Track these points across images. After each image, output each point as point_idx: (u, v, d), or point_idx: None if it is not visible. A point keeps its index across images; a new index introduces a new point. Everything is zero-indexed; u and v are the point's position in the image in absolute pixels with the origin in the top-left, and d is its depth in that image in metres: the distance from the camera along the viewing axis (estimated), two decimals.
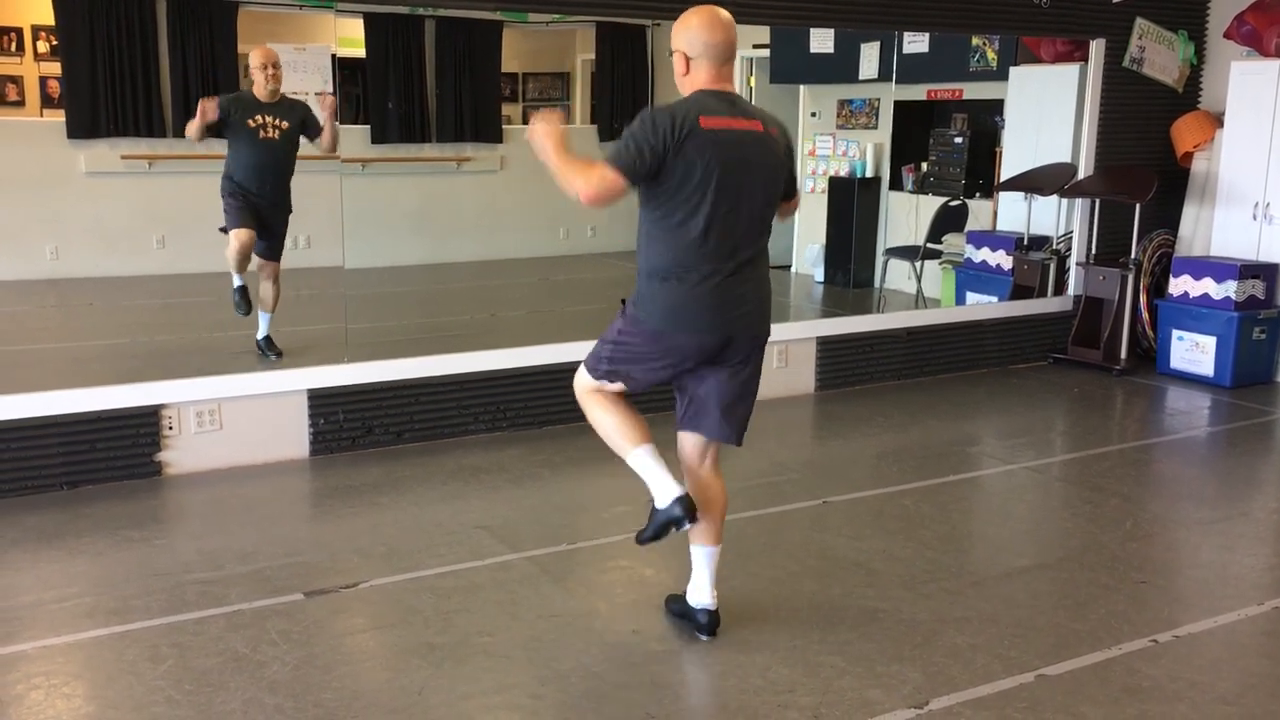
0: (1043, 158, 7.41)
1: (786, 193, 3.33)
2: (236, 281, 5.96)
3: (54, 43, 7.72)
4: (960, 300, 7.81)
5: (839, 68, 8.48)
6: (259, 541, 4.18)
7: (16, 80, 7.85)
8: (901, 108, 8.40)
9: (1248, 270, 6.69)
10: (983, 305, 7.49)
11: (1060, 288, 7.41)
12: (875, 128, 8.75)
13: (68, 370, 5.84)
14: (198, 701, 3.03)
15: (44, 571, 3.90)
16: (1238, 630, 3.58)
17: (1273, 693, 3.17)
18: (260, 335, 6.02)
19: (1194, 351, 6.86)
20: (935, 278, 8.14)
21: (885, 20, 6.52)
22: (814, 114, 9.20)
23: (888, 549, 4.17)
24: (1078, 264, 7.32)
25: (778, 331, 6.26)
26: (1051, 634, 3.49)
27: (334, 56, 6.52)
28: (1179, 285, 6.93)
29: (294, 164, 5.96)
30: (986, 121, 8.29)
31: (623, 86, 9.22)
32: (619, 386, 3.29)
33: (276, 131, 5.84)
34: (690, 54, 3.14)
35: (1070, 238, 7.43)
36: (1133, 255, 7.15)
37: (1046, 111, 7.54)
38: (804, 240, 9.19)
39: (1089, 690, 3.15)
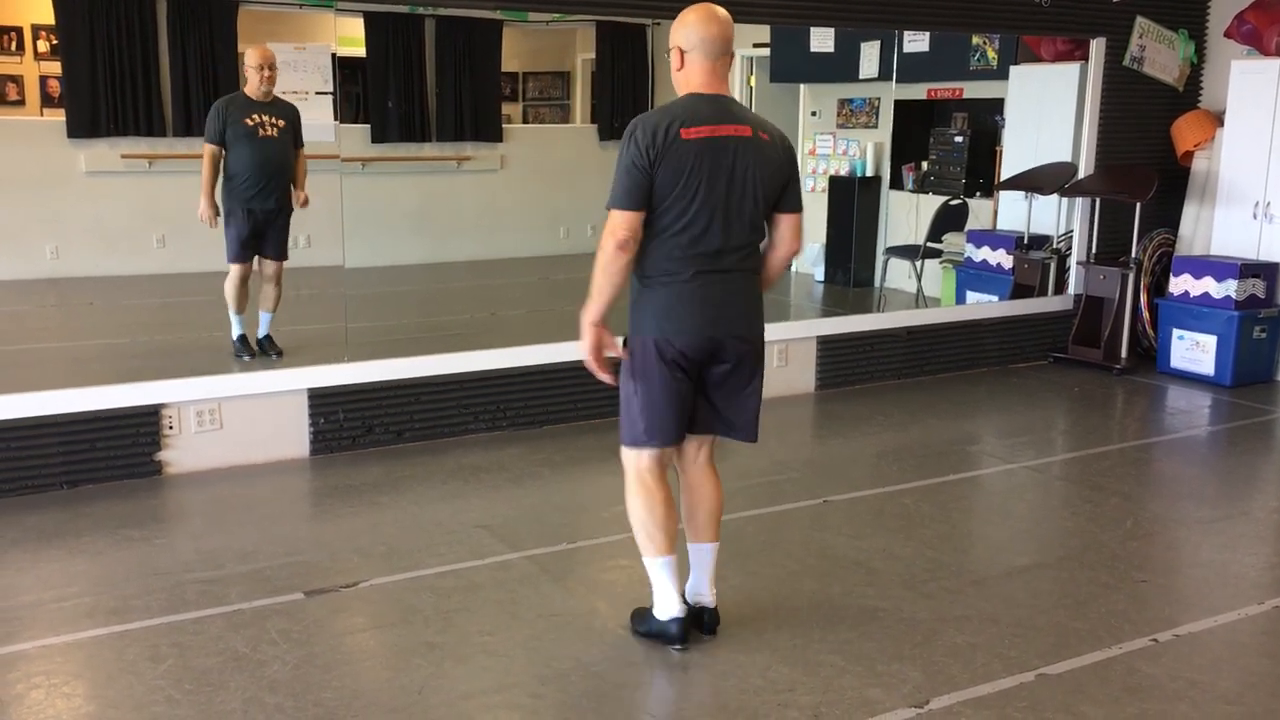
0: (1043, 157, 7.41)
1: (789, 204, 3.25)
2: (236, 329, 5.96)
3: (54, 42, 7.72)
4: (960, 299, 7.80)
5: (839, 67, 8.48)
6: (259, 541, 4.17)
7: (17, 79, 7.85)
8: (902, 107, 8.39)
9: (1248, 269, 6.69)
10: (983, 304, 7.48)
11: (1060, 287, 7.41)
12: (875, 127, 8.75)
13: (68, 370, 5.84)
14: (198, 701, 3.03)
15: (44, 571, 3.90)
16: (1238, 629, 3.57)
17: (1273, 691, 3.17)
18: (261, 334, 6.03)
19: (1194, 350, 6.85)
20: (935, 277, 8.13)
21: (885, 19, 6.52)
22: (814, 113, 9.19)
23: (888, 548, 4.17)
24: (1078, 263, 7.32)
25: (778, 331, 6.36)
26: (1052, 633, 3.49)
27: (334, 56, 6.52)
28: (1179, 284, 6.93)
29: (292, 163, 5.96)
30: (987, 120, 8.29)
31: (623, 86, 9.23)
32: (662, 441, 3.24)
33: (275, 130, 5.84)
34: (685, 48, 3.15)
35: (1070, 237, 7.43)
36: (1133, 254, 7.14)
37: (1047, 110, 7.54)
38: (804, 239, 9.17)
39: (1089, 689, 3.15)
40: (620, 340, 3.27)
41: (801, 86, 9.17)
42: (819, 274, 9.01)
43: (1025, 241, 7.47)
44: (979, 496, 4.96)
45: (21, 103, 7.86)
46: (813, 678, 3.20)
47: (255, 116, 5.80)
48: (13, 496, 4.57)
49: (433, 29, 8.87)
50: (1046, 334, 7.33)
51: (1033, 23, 6.89)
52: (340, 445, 5.24)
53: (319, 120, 6.21)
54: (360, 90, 8.73)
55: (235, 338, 5.98)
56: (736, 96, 3.27)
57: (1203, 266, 6.82)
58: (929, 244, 7.85)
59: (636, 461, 3.30)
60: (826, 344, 6.54)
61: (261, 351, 6.00)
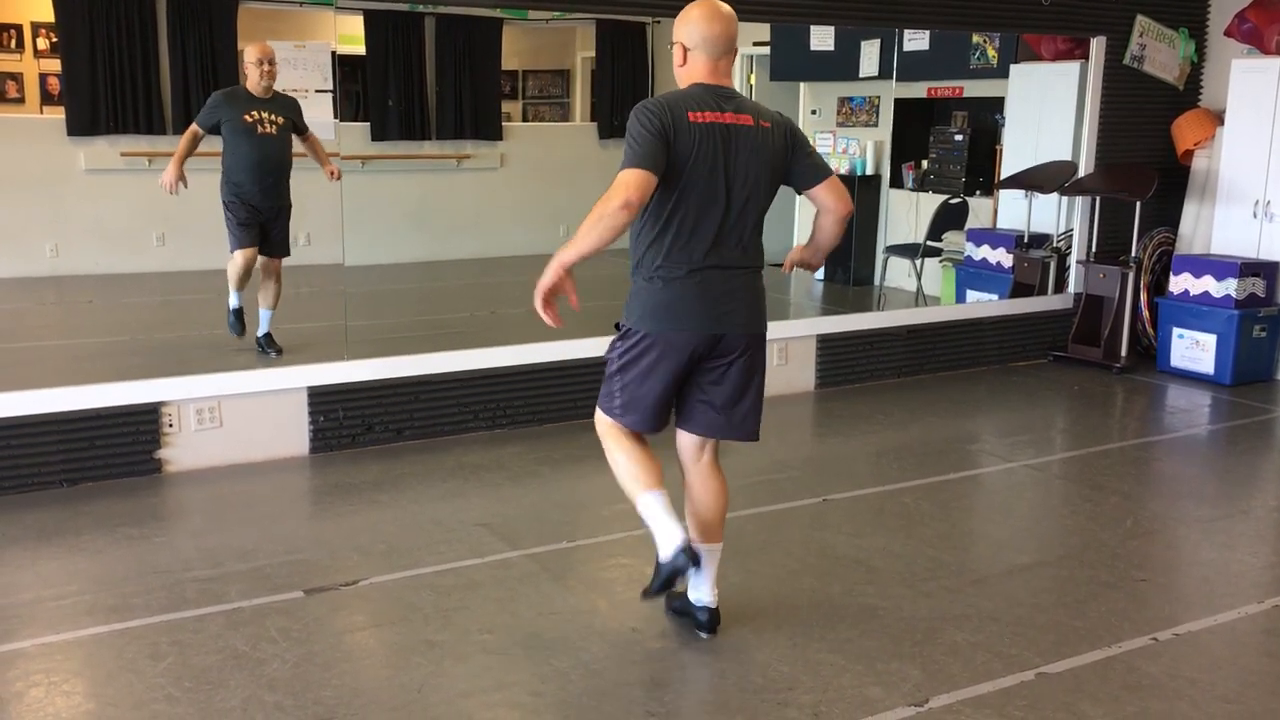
0: (1043, 155, 7.41)
1: (803, 178, 3.25)
2: (234, 302, 5.94)
3: (54, 40, 7.72)
4: (960, 298, 7.80)
5: (839, 65, 8.48)
6: (259, 539, 4.17)
7: (16, 77, 7.84)
8: (902, 105, 8.39)
9: (1248, 268, 6.69)
10: (983, 303, 7.49)
11: (1060, 286, 7.41)
12: (875, 125, 8.75)
13: (67, 367, 5.84)
14: (197, 699, 3.03)
15: (44, 569, 3.90)
16: (1238, 628, 3.58)
17: (1273, 690, 3.17)
18: (260, 332, 6.02)
19: (1194, 349, 6.85)
20: (935, 275, 8.13)
21: (886, 18, 6.52)
22: (814, 111, 9.19)
23: (888, 547, 4.17)
24: (1078, 262, 7.32)
25: (778, 329, 6.35)
26: (1052, 632, 3.49)
27: (334, 53, 6.52)
28: (1179, 283, 6.93)
29: (291, 159, 5.96)
30: (987, 119, 8.29)
31: (623, 84, 9.22)
32: (634, 424, 3.25)
33: (273, 126, 5.84)
34: (689, 45, 3.13)
35: (1070, 236, 7.43)
36: (1133, 253, 7.14)
37: (1047, 109, 7.54)
38: (804, 237, 9.16)
39: (1089, 688, 3.15)
40: (615, 323, 3.28)
41: (801, 85, 9.17)
42: (819, 272, 8.99)
43: (1025, 240, 7.47)
44: (979, 495, 4.96)
45: (21, 100, 7.85)
46: (812, 676, 3.20)
47: (254, 113, 5.79)
48: (12, 494, 4.56)
49: (432, 27, 8.87)
50: (1046, 333, 7.33)
51: (1033, 21, 6.88)
52: (340, 443, 5.24)
53: (319, 118, 6.20)
54: (360, 88, 8.72)
55: (231, 309, 5.95)
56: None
57: (1203, 265, 6.82)
58: (929, 242, 7.85)
59: (610, 424, 3.32)
60: (826, 342, 6.54)
61: (261, 350, 5.99)
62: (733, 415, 3.29)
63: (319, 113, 6.28)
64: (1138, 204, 6.96)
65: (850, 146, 8.85)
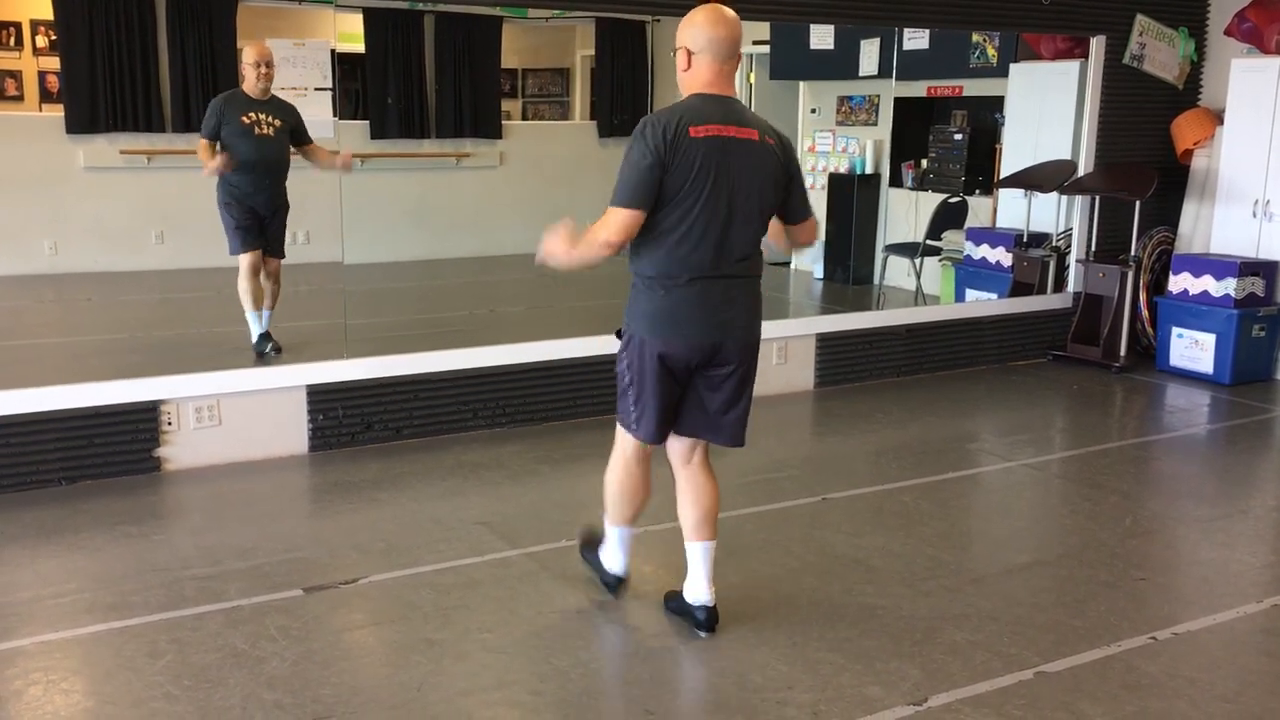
0: (1043, 155, 7.41)
1: (793, 213, 3.28)
2: (256, 328, 5.86)
3: (53, 37, 7.71)
4: (960, 297, 7.80)
5: (839, 64, 8.48)
6: (258, 537, 4.17)
7: (15, 75, 7.84)
8: (901, 104, 8.40)
9: (1247, 268, 6.69)
10: (982, 302, 7.49)
11: (1060, 285, 7.41)
12: (875, 124, 8.75)
13: (66, 365, 5.84)
14: (196, 697, 3.03)
15: (42, 567, 3.90)
16: (1237, 628, 3.58)
17: (1271, 690, 3.17)
18: (258, 332, 6.01)
19: (1193, 349, 6.85)
20: (935, 275, 8.13)
21: (885, 16, 6.51)
22: (814, 110, 9.19)
23: (887, 546, 4.17)
24: (1077, 261, 7.32)
25: (777, 328, 6.36)
26: (1051, 631, 3.49)
27: (333, 52, 6.52)
28: (1179, 282, 6.93)
29: (289, 160, 5.95)
30: (986, 118, 8.29)
31: (622, 82, 9.22)
32: (645, 436, 3.30)
33: (271, 129, 5.82)
34: (693, 49, 3.13)
35: (1070, 235, 7.43)
36: (1132, 252, 7.14)
37: (1046, 108, 7.54)
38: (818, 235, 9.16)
39: (1088, 687, 3.15)
40: (617, 330, 3.31)
41: (801, 84, 9.17)
42: (818, 271, 9.01)
43: (1024, 239, 7.47)
44: (978, 494, 4.96)
45: (20, 98, 7.85)
46: (811, 675, 3.20)
47: (252, 115, 5.79)
48: (11, 492, 4.56)
49: (432, 25, 8.87)
50: (1046, 332, 7.33)
51: (1033, 20, 6.88)
52: (339, 442, 5.24)
53: (318, 116, 6.20)
54: (359, 86, 8.72)
55: (256, 337, 5.88)
56: (737, 93, 3.25)
57: (1202, 265, 6.82)
58: (928, 242, 7.85)
59: (626, 441, 3.39)
60: (826, 341, 6.54)
61: (262, 356, 5.98)
62: (724, 421, 3.32)
63: (318, 111, 6.28)
64: (1137, 203, 6.96)
65: (850, 145, 8.85)
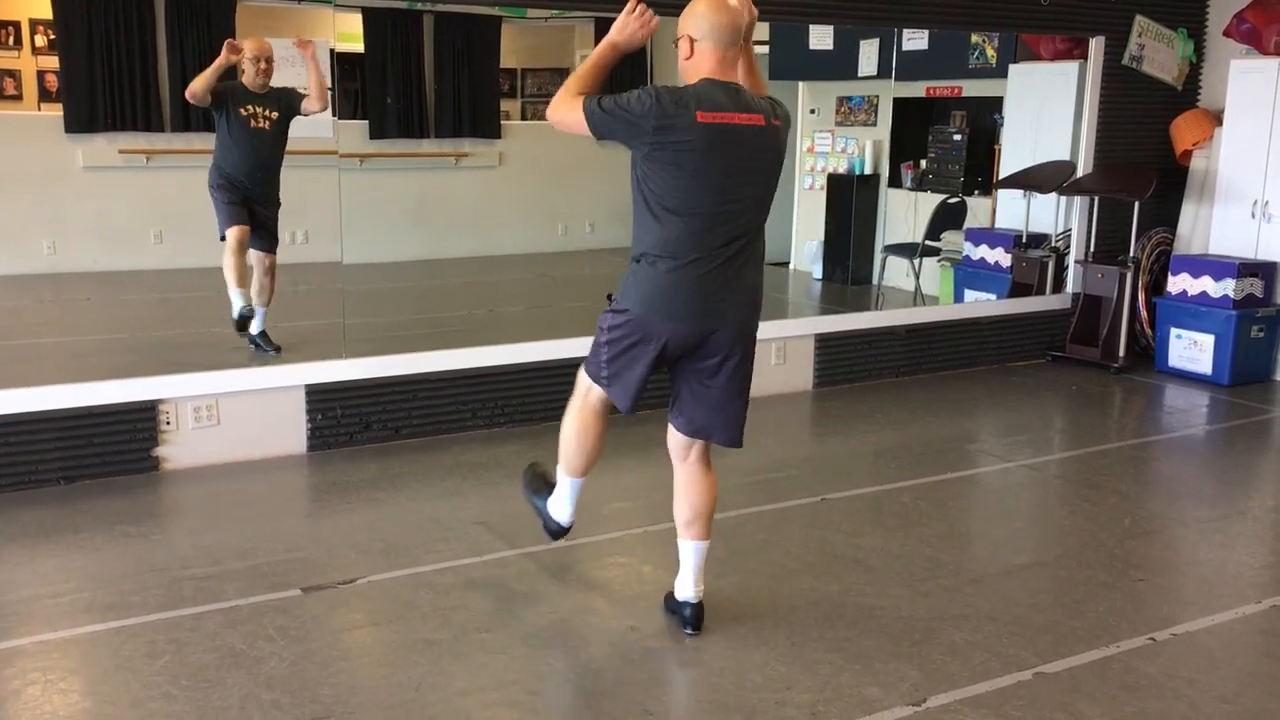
0: (1042, 155, 7.41)
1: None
2: (237, 304, 5.84)
3: (52, 37, 7.70)
4: (959, 298, 7.81)
5: (838, 64, 8.48)
6: (256, 537, 4.17)
7: (14, 74, 7.82)
8: (900, 105, 8.39)
9: (1246, 268, 6.69)
10: (981, 303, 7.49)
11: (1059, 285, 7.41)
12: (874, 125, 8.75)
13: (65, 365, 5.83)
14: (194, 697, 3.03)
15: (41, 567, 3.90)
16: (1236, 628, 3.58)
17: (1270, 690, 3.17)
18: (255, 330, 6.00)
19: (1192, 349, 6.86)
20: (934, 275, 8.13)
21: (885, 17, 6.51)
22: (813, 111, 9.19)
23: (886, 546, 4.17)
24: (1076, 262, 7.32)
25: (776, 329, 6.36)
26: (1050, 632, 3.49)
27: (332, 51, 6.50)
28: (1177, 283, 6.93)
29: (283, 156, 5.95)
30: (986, 119, 8.29)
31: (621, 83, 9.21)
32: (616, 399, 3.29)
33: (267, 122, 5.83)
34: (696, 36, 3.11)
35: (1069, 235, 7.43)
36: (1131, 253, 7.15)
37: (1046, 109, 7.54)
38: (802, 237, 9.19)
39: (1087, 688, 3.15)
40: (608, 295, 3.30)
41: (800, 84, 9.17)
42: (817, 271, 9.01)
43: (1024, 240, 7.47)
44: (977, 495, 4.96)
45: (19, 97, 7.84)
46: (810, 675, 3.20)
47: (249, 107, 5.80)
48: (10, 492, 4.56)
49: (431, 25, 8.86)
50: (1044, 333, 7.34)
51: (1032, 21, 6.88)
52: (338, 442, 5.23)
53: (318, 116, 6.19)
54: (358, 86, 8.71)
55: (235, 316, 5.86)
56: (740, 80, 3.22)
57: (1201, 265, 6.83)
58: (927, 242, 7.85)
59: (586, 390, 3.38)
60: (825, 342, 6.54)
61: (257, 348, 5.98)
62: (720, 419, 3.28)
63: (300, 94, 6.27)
64: (1136, 204, 6.96)
65: (849, 146, 8.85)
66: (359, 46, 8.49)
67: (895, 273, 8.26)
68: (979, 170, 8.31)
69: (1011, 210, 7.77)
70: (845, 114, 8.95)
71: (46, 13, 7.51)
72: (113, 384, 4.80)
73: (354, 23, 8.35)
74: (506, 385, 5.58)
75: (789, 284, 9.04)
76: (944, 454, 5.38)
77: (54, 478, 4.67)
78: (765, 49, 8.94)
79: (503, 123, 9.34)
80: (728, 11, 3.10)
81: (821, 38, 8.37)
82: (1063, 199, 7.41)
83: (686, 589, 3.42)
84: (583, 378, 3.39)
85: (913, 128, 8.59)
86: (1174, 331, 6.94)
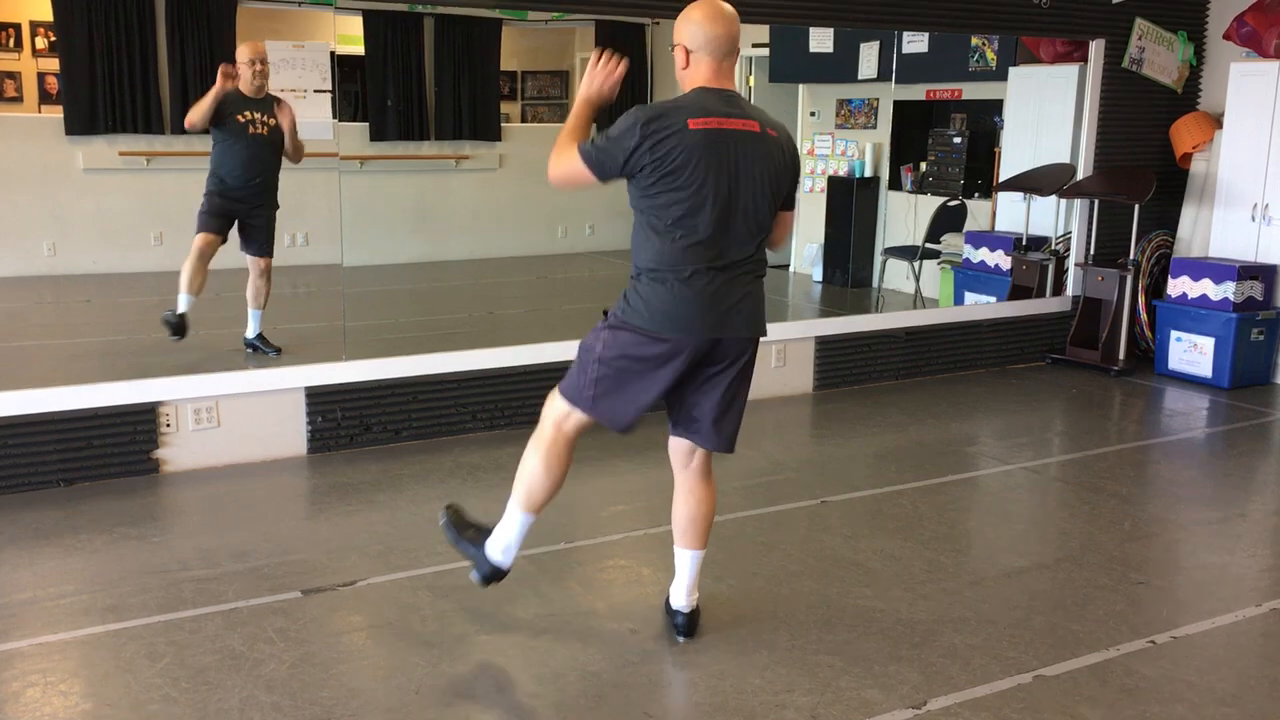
0: (1042, 158, 7.42)
1: (786, 204, 3.23)
2: (183, 304, 5.79)
3: (52, 39, 7.70)
4: (959, 300, 7.81)
5: (838, 67, 8.48)
6: (256, 539, 4.17)
7: (14, 76, 7.83)
8: (900, 107, 8.40)
9: (1246, 271, 6.70)
10: (981, 305, 7.49)
11: (1059, 288, 7.42)
12: (874, 127, 8.75)
13: (65, 367, 5.83)
14: (194, 699, 3.03)
15: (40, 568, 3.90)
16: (1236, 631, 3.58)
17: (1271, 694, 3.17)
18: (251, 334, 6.00)
19: (1192, 352, 6.86)
20: (934, 278, 8.14)
21: (885, 20, 6.52)
22: (813, 113, 9.20)
23: (886, 549, 4.17)
24: (1076, 264, 7.32)
25: (776, 331, 6.36)
26: (1049, 634, 3.49)
27: (333, 54, 6.50)
28: (1177, 286, 6.93)
29: (281, 161, 5.95)
30: (985, 122, 8.30)
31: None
32: (606, 418, 3.21)
33: (265, 128, 5.82)
34: (691, 47, 3.09)
35: (1069, 238, 7.44)
36: (1131, 256, 7.15)
37: (1046, 112, 7.54)
38: (802, 240, 9.19)
39: (1087, 691, 3.15)
40: (604, 310, 3.24)
41: (800, 86, 9.18)
42: (817, 274, 9.01)
43: (1023, 243, 7.48)
44: (977, 497, 4.96)
45: (19, 99, 7.84)
46: (810, 678, 3.19)
47: (247, 113, 5.79)
48: (9, 494, 4.56)
49: (432, 27, 8.86)
50: (1044, 335, 7.34)
51: (1032, 24, 6.89)
52: (338, 444, 5.23)
53: (317, 118, 6.20)
54: (359, 89, 8.72)
55: (174, 310, 5.79)
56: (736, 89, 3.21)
57: (1201, 268, 6.83)
58: (927, 245, 7.86)
59: (562, 419, 3.28)
60: (825, 344, 6.54)
61: (254, 351, 5.97)
62: (719, 426, 3.25)
63: (318, 113, 6.28)
64: (1136, 207, 6.97)
65: (849, 148, 8.85)
66: (359, 49, 8.49)
67: (895, 275, 8.26)
68: (979, 173, 8.32)
69: (1011, 213, 7.77)
70: (845, 117, 8.96)
71: (47, 15, 7.51)
72: (113, 386, 4.80)
73: (354, 25, 8.36)
74: (506, 387, 5.58)
75: (789, 286, 9.04)
76: (944, 456, 5.38)
77: (54, 480, 4.67)
78: (765, 51, 8.95)
79: (503, 125, 9.34)
80: (724, 23, 3.08)
81: (821, 40, 8.38)
82: (1063, 202, 7.41)
83: (680, 598, 3.42)
84: (556, 405, 3.29)
85: (913, 130, 8.60)
86: (1174, 334, 6.94)
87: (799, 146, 9.12)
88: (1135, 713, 3.05)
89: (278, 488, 4.85)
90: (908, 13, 6.44)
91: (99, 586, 3.73)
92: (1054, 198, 7.31)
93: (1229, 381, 6.70)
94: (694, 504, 3.35)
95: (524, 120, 9.81)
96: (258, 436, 5.07)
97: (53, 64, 7.67)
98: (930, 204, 8.09)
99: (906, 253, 8.05)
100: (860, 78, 8.32)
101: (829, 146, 8.98)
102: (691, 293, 3.08)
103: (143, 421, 4.82)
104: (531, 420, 5.61)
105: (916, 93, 8.46)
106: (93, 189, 7.42)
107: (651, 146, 2.98)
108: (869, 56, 8.19)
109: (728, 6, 3.12)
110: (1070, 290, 7.38)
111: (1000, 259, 7.58)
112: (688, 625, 3.41)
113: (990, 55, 7.95)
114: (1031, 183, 7.29)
